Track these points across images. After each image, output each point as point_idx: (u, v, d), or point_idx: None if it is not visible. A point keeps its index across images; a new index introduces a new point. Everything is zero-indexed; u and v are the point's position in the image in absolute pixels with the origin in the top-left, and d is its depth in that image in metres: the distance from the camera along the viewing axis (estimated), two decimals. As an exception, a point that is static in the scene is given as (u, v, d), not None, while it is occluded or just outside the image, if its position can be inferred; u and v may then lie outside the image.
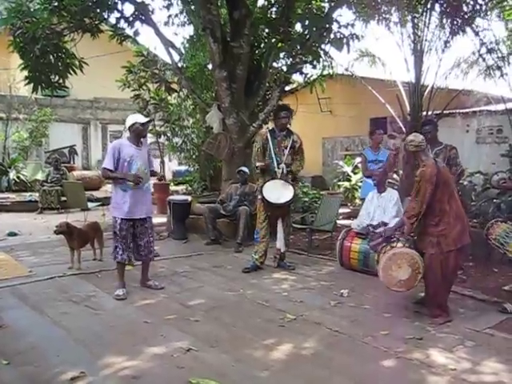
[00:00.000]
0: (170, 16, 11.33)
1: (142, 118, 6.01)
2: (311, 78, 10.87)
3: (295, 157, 7.13)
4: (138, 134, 5.88)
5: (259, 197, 7.03)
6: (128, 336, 4.58)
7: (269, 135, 7.07)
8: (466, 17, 9.88)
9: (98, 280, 6.53)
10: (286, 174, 7.01)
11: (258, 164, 7.08)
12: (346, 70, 12.78)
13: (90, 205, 11.48)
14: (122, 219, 5.82)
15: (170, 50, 10.15)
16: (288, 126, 7.09)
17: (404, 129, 10.73)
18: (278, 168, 6.97)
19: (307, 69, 10.27)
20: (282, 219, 7.13)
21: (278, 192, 6.87)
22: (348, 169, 14.26)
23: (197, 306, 5.47)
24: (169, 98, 13.02)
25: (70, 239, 6.94)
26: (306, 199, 10.95)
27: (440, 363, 4.01)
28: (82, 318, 5.08)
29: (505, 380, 3.74)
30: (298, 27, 9.85)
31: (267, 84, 10.05)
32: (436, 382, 3.71)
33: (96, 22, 9.48)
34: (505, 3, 9.69)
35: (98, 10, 9.08)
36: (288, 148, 7.02)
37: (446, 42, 10.25)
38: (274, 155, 7.00)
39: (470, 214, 8.98)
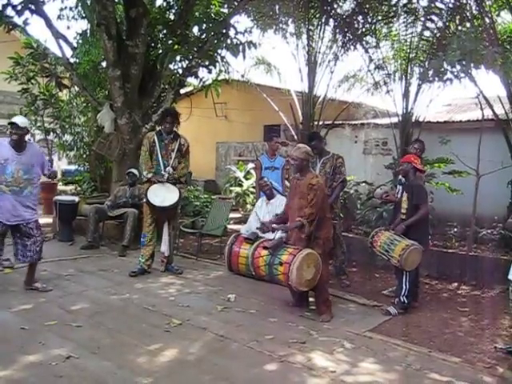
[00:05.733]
0: (62, 9, 10.86)
1: (15, 119, 5.71)
2: (206, 82, 10.86)
3: (182, 159, 7.14)
4: (12, 138, 5.60)
5: (144, 200, 6.96)
6: (2, 344, 4.32)
7: (156, 138, 7.04)
8: (358, 33, 10.34)
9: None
10: (173, 177, 6.99)
11: (145, 173, 7.01)
12: (242, 76, 12.90)
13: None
14: None
15: (62, 43, 9.71)
16: (175, 129, 7.10)
17: (296, 137, 11.01)
18: (165, 171, 6.95)
19: (203, 73, 10.28)
20: (168, 222, 7.11)
21: (162, 195, 6.84)
22: (240, 174, 14.35)
23: (80, 311, 5.29)
24: (60, 94, 12.51)
25: None
26: (198, 203, 10.92)
27: (321, 366, 4.16)
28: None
29: (379, 380, 3.97)
30: (196, 30, 9.86)
31: (162, 85, 9.93)
32: (316, 384, 3.82)
33: (-21, 7, 8.87)
34: (391, 25, 10.23)
35: (-19, -6, 8.52)
36: (175, 151, 7.02)
37: (338, 56, 10.66)
38: (160, 158, 6.98)
39: (355, 222, 9.38)
